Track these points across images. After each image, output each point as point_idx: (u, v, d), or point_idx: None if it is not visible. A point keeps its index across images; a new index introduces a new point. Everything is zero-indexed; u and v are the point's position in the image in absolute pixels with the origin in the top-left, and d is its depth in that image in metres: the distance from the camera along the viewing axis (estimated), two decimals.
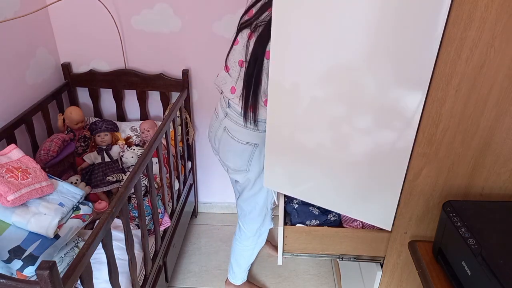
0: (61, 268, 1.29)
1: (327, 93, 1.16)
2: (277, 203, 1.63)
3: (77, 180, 1.78)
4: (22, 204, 1.24)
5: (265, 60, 1.24)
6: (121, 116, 2.22)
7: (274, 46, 1.14)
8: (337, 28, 1.08)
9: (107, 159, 1.88)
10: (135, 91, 2.14)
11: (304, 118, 1.23)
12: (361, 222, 1.36)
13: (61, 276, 0.88)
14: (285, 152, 1.31)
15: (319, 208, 1.43)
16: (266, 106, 1.27)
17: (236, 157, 1.47)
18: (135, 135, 2.11)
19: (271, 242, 2.27)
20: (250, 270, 2.12)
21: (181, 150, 2.10)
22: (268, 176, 1.39)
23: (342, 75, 1.13)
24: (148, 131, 2.03)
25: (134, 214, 1.67)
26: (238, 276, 1.92)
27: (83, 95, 2.20)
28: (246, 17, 1.34)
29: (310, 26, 1.09)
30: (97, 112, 2.23)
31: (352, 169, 1.25)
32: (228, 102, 1.42)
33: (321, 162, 1.26)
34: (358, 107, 1.16)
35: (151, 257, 1.61)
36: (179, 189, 2.07)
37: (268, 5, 1.23)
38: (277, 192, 1.57)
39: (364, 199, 1.25)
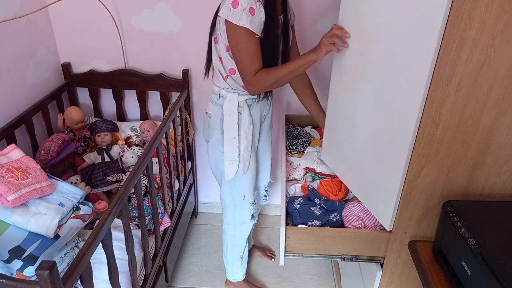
0: (61, 268, 1.29)
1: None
2: (252, 200, 1.70)
3: (77, 180, 1.78)
4: (22, 204, 1.24)
5: (213, 44, 1.47)
6: (121, 116, 2.22)
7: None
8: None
9: (107, 159, 1.88)
10: (135, 91, 2.14)
11: (342, 99, 1.39)
12: (363, 222, 1.36)
13: (61, 276, 0.88)
14: (334, 130, 1.49)
15: (320, 208, 1.43)
16: (216, 81, 1.53)
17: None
18: (135, 135, 2.11)
19: (256, 244, 2.28)
20: (250, 270, 2.12)
21: (181, 150, 2.10)
22: (325, 148, 1.57)
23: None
24: (148, 131, 2.03)
25: (134, 214, 1.67)
26: (228, 269, 1.93)
27: (83, 95, 2.20)
28: None
29: None
30: (97, 112, 2.23)
31: (358, 165, 1.29)
32: None
33: (350, 144, 1.37)
34: (363, 102, 1.18)
35: (151, 257, 1.61)
36: (179, 189, 2.07)
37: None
38: (281, 194, 1.58)
39: (367, 195, 1.27)
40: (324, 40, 1.27)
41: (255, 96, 1.53)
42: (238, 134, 1.52)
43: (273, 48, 1.43)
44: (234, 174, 1.58)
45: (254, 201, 1.72)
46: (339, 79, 1.38)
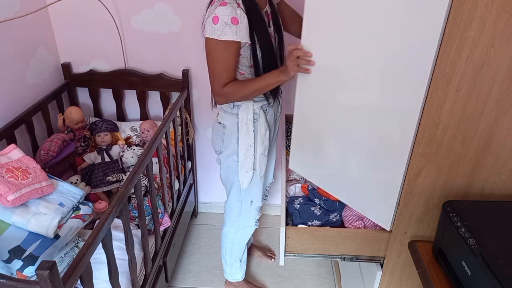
0: (61, 268, 1.29)
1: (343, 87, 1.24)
2: (260, 205, 1.68)
3: (77, 180, 1.78)
4: (22, 204, 1.24)
5: None
6: (121, 116, 2.22)
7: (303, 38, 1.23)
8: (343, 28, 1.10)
9: (107, 159, 1.88)
10: (135, 91, 2.14)
11: (322, 106, 1.32)
12: (363, 222, 1.36)
13: (61, 276, 0.88)
14: (308, 138, 1.40)
15: (320, 208, 1.43)
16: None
17: (213, 136, 1.63)
18: (135, 135, 2.11)
19: (256, 244, 2.28)
20: (250, 270, 2.12)
21: (181, 150, 2.10)
22: (293, 159, 1.48)
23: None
24: (148, 131, 2.03)
25: (134, 214, 1.67)
26: (227, 271, 1.93)
27: (83, 95, 2.20)
28: None
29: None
30: (97, 112, 2.23)
31: (356, 166, 1.27)
32: None
33: (335, 152, 1.33)
34: (361, 103, 1.17)
35: (151, 257, 1.61)
36: (179, 189, 2.07)
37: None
38: (281, 194, 1.58)
39: (365, 196, 1.26)
40: (289, 63, 1.26)
41: (271, 101, 1.52)
42: (254, 142, 1.50)
43: (268, 48, 1.40)
44: (249, 182, 1.57)
45: (261, 206, 1.71)
46: (310, 87, 1.32)
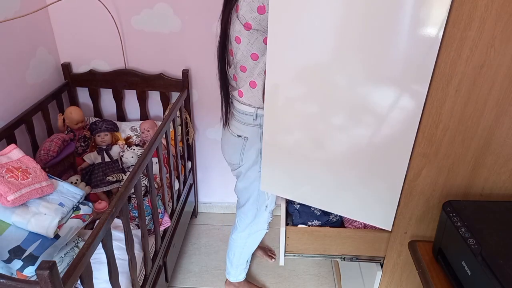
0: (61, 268, 1.29)
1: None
2: (273, 207, 1.65)
3: (77, 180, 1.78)
4: (22, 204, 1.24)
5: (230, 57, 1.38)
6: (121, 116, 2.22)
7: (269, 49, 1.16)
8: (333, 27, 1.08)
9: (107, 159, 1.88)
10: (135, 91, 2.14)
11: (295, 119, 1.24)
12: (363, 222, 1.36)
13: (61, 276, 0.88)
14: (281, 155, 1.31)
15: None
16: (248, 101, 1.36)
17: (229, 149, 1.53)
18: (135, 135, 2.11)
19: (260, 246, 2.27)
20: (250, 270, 2.12)
21: (181, 150, 2.10)
22: (265, 180, 1.39)
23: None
24: (148, 131, 2.03)
25: (134, 214, 1.67)
26: (231, 272, 1.92)
27: (83, 95, 2.20)
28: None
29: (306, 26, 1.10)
30: (97, 112, 2.23)
31: (352, 170, 1.25)
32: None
33: (319, 163, 1.26)
34: (358, 106, 1.16)
35: (151, 257, 1.61)
36: (179, 189, 2.07)
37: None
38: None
39: (364, 199, 1.25)
40: None
41: None
42: None
43: None
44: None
45: (273, 209, 1.69)
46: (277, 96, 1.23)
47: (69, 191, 1.37)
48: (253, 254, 2.20)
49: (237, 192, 1.65)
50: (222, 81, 1.45)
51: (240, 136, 1.45)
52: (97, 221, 1.16)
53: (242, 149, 1.47)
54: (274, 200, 1.65)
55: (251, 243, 1.77)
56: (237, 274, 1.92)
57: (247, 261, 1.87)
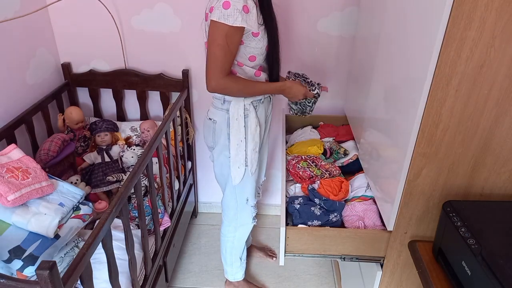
0: (61, 268, 1.29)
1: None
2: (255, 202, 1.70)
3: (77, 180, 1.78)
4: (22, 204, 1.24)
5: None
6: (121, 116, 2.22)
7: None
8: None
9: (107, 159, 1.88)
10: (135, 91, 2.14)
11: None
12: (363, 222, 1.36)
13: (61, 276, 0.88)
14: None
15: (320, 208, 1.43)
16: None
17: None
18: (135, 135, 2.11)
19: (256, 245, 2.28)
20: (250, 270, 2.12)
21: (181, 150, 2.10)
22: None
23: None
24: (148, 131, 2.03)
25: (134, 214, 1.67)
26: (228, 270, 1.93)
27: (83, 95, 2.20)
28: None
29: None
30: (97, 112, 2.23)
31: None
32: None
33: None
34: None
35: (151, 257, 1.61)
36: (179, 189, 2.07)
37: None
38: (281, 194, 1.58)
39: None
40: (303, 91, 1.50)
41: (260, 97, 1.52)
42: (245, 137, 1.51)
43: (274, 40, 1.43)
44: (241, 178, 1.57)
45: (256, 204, 1.72)
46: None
47: (69, 191, 1.37)
48: (253, 255, 2.20)
49: (216, 179, 1.73)
50: None
51: (211, 119, 1.56)
52: (97, 221, 1.16)
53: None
54: (253, 194, 1.68)
55: (239, 237, 1.79)
56: (234, 272, 1.92)
57: (240, 258, 1.87)
